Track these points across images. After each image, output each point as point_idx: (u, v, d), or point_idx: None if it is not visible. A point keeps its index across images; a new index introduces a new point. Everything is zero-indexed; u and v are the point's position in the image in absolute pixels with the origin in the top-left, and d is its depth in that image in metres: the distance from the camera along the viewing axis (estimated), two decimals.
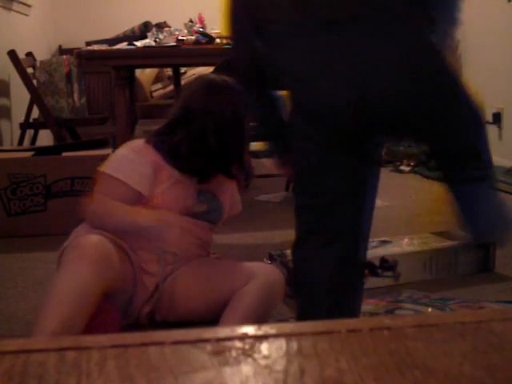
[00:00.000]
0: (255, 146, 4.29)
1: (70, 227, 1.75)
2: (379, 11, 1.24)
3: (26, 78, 3.68)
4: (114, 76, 3.41)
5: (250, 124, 1.78)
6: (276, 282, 1.65)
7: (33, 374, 0.41)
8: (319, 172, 1.38)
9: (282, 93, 1.47)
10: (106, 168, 1.72)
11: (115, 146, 2.62)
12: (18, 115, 4.03)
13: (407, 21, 1.25)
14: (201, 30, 3.61)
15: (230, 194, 1.89)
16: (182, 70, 4.68)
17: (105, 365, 0.42)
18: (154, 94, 4.99)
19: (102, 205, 1.69)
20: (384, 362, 0.42)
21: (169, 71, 4.78)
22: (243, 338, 0.45)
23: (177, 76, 4.33)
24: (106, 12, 5.30)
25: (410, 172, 4.22)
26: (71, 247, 1.57)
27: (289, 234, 2.75)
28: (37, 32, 4.81)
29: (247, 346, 0.44)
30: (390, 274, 2.13)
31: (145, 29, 3.90)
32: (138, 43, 3.47)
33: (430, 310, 1.78)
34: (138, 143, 1.78)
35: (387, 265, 2.12)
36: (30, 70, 3.91)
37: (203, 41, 3.50)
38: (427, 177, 4.06)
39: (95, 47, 3.51)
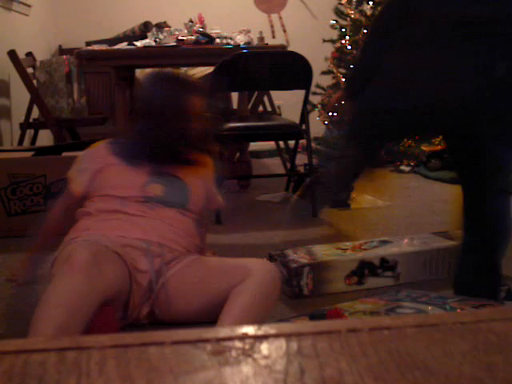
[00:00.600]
0: (256, 146, 4.28)
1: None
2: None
3: (26, 78, 3.68)
4: (114, 76, 3.41)
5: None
6: (272, 278, 1.64)
7: (33, 374, 0.41)
8: None
9: None
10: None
11: None
12: (18, 115, 4.03)
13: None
14: (201, 30, 3.61)
15: (200, 180, 1.92)
16: (182, 70, 4.68)
17: (105, 365, 0.42)
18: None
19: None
20: (384, 361, 0.42)
21: None
22: (243, 337, 0.45)
23: None
24: (105, 12, 5.30)
25: (409, 172, 4.23)
26: (62, 260, 1.58)
27: (289, 234, 2.77)
28: (37, 32, 4.81)
29: (247, 346, 0.44)
30: (389, 274, 2.13)
31: (145, 29, 3.90)
32: (138, 43, 3.48)
33: (430, 308, 1.78)
34: (98, 143, 1.94)
35: (387, 265, 2.12)
36: (30, 70, 3.91)
37: (203, 41, 3.50)
38: (427, 177, 4.07)
39: (95, 47, 3.51)
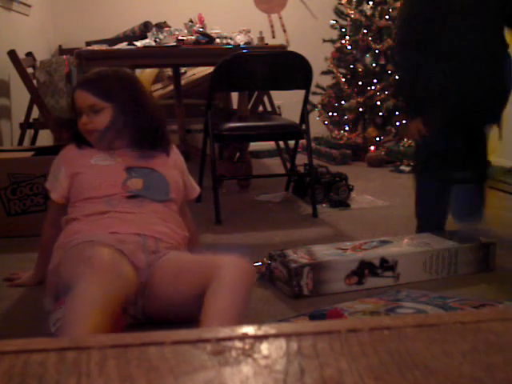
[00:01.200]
0: (256, 146, 4.28)
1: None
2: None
3: (25, 78, 3.67)
4: None
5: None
6: (244, 274, 1.60)
7: (33, 373, 0.41)
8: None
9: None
10: None
11: None
12: (18, 115, 4.03)
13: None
14: (201, 30, 3.61)
15: (173, 169, 1.97)
16: (182, 69, 4.68)
17: (105, 365, 0.42)
18: (154, 94, 4.99)
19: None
20: (384, 361, 0.42)
21: (169, 71, 4.78)
22: (243, 337, 0.45)
23: (177, 76, 4.32)
24: (105, 12, 5.30)
25: (410, 172, 4.22)
26: (78, 257, 1.58)
27: (289, 234, 2.77)
28: (37, 32, 4.81)
29: (247, 346, 0.44)
30: (389, 273, 2.13)
31: (145, 29, 3.89)
32: (138, 43, 3.47)
33: (429, 308, 1.78)
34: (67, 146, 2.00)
35: (387, 265, 2.12)
36: (30, 70, 3.90)
37: (203, 41, 3.50)
38: None
39: (95, 47, 3.51)
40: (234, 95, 4.49)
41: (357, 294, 2.01)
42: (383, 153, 4.58)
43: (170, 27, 3.73)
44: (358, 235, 2.68)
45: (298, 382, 0.40)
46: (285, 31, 5.02)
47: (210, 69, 3.52)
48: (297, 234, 2.75)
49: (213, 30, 3.67)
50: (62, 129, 3.79)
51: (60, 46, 5.20)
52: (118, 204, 1.79)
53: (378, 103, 4.69)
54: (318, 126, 4.94)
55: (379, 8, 4.70)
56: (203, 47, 3.48)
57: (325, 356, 0.43)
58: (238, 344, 0.44)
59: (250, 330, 0.46)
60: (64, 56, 3.98)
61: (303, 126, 3.14)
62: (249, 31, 3.61)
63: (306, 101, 3.18)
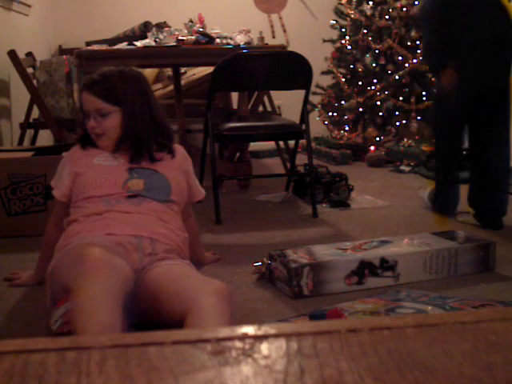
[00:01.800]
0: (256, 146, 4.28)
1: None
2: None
3: (26, 78, 3.68)
4: None
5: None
6: (220, 302, 1.49)
7: (33, 373, 0.41)
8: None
9: None
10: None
11: None
12: (18, 115, 4.03)
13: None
14: (201, 30, 3.61)
15: (177, 171, 1.96)
16: (182, 69, 4.68)
17: (105, 365, 0.42)
18: (154, 94, 4.99)
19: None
20: (384, 361, 0.42)
21: (169, 71, 4.78)
22: (243, 338, 0.45)
23: (177, 76, 4.32)
24: (106, 12, 5.30)
25: (410, 172, 4.22)
26: (70, 263, 1.57)
27: (289, 234, 2.77)
28: (37, 32, 4.81)
29: (247, 346, 0.44)
30: (389, 273, 2.13)
31: (145, 29, 3.90)
32: (138, 43, 3.48)
33: (429, 308, 1.78)
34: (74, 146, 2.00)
35: (387, 265, 2.12)
36: (30, 70, 3.91)
37: (203, 41, 3.50)
38: (427, 177, 4.06)
39: (95, 47, 3.51)
40: (234, 95, 4.49)
41: (357, 293, 2.01)
42: (383, 153, 4.58)
43: (170, 27, 3.73)
44: (358, 235, 2.68)
45: (298, 382, 0.40)
46: (285, 31, 5.02)
47: (210, 69, 3.52)
48: (297, 234, 2.75)
49: (213, 30, 3.67)
50: (62, 129, 3.79)
51: (60, 45, 5.21)
52: (116, 203, 1.79)
53: (378, 103, 4.69)
54: (318, 125, 4.94)
55: (379, 8, 4.70)
56: (203, 47, 3.48)
57: (325, 356, 0.43)
58: (238, 344, 0.44)
59: (250, 329, 0.46)
60: (64, 56, 3.98)
61: (303, 126, 3.14)
62: (249, 31, 3.61)
63: (305, 101, 3.18)
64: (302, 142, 3.58)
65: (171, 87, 4.60)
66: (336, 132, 4.96)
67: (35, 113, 3.91)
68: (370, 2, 4.76)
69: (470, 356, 0.43)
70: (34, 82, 3.83)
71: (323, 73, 4.95)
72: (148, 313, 1.63)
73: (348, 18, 4.89)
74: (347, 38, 4.87)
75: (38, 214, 2.72)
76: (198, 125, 4.35)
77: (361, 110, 4.77)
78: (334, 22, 5.01)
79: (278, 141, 4.14)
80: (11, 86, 4.04)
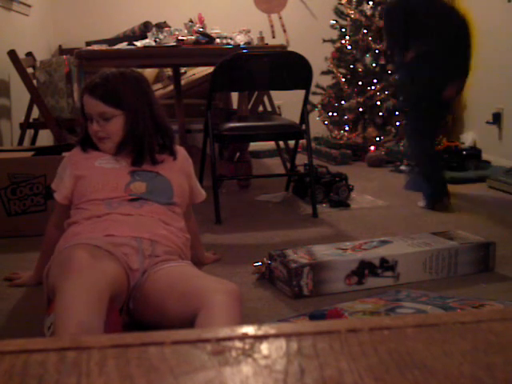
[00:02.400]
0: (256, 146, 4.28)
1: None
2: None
3: (26, 78, 3.67)
4: None
5: None
6: (231, 301, 1.50)
7: (33, 373, 0.41)
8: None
9: None
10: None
11: None
12: (18, 115, 4.02)
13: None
14: (201, 30, 3.61)
15: (179, 173, 1.96)
16: (182, 69, 4.68)
17: (105, 365, 0.42)
18: (155, 95, 4.99)
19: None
20: (384, 361, 0.42)
21: (169, 71, 4.78)
22: (243, 338, 0.45)
23: (177, 76, 4.33)
24: (106, 12, 5.30)
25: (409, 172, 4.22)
26: (59, 265, 1.57)
27: (289, 234, 2.77)
28: (37, 32, 4.81)
29: (247, 346, 0.44)
30: (389, 273, 2.13)
31: (145, 29, 3.90)
32: (138, 43, 3.48)
33: (429, 308, 1.78)
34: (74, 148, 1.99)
35: (387, 265, 2.12)
36: (30, 70, 3.90)
37: (203, 41, 3.50)
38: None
39: (95, 47, 3.51)
40: (234, 95, 4.49)
41: (357, 293, 2.01)
42: (383, 153, 4.58)
43: (170, 27, 3.73)
44: (358, 235, 2.68)
45: (298, 382, 0.40)
46: (285, 31, 5.02)
47: (210, 69, 3.53)
48: (297, 234, 2.75)
49: (213, 30, 3.67)
50: (62, 129, 3.79)
51: (60, 45, 5.21)
52: (118, 206, 1.79)
53: (378, 103, 4.69)
54: (317, 125, 4.94)
55: (379, 8, 4.70)
56: (203, 47, 3.48)
57: (325, 356, 0.43)
58: (238, 344, 0.44)
59: (250, 329, 0.46)
60: (64, 56, 3.98)
61: (303, 126, 3.14)
62: (249, 31, 3.61)
63: (305, 101, 3.18)
64: (302, 142, 3.58)
65: (171, 87, 4.60)
66: (336, 132, 4.95)
67: (35, 113, 3.91)
68: (370, 2, 4.76)
69: (469, 356, 0.43)
70: (34, 82, 3.83)
71: (323, 73, 4.94)
72: (155, 314, 1.63)
73: (348, 18, 4.89)
74: (347, 37, 4.87)
75: (38, 214, 2.72)
76: (198, 125, 4.35)
77: (361, 109, 4.77)
78: (334, 21, 5.00)
79: (278, 141, 4.14)
80: (11, 86, 4.04)
